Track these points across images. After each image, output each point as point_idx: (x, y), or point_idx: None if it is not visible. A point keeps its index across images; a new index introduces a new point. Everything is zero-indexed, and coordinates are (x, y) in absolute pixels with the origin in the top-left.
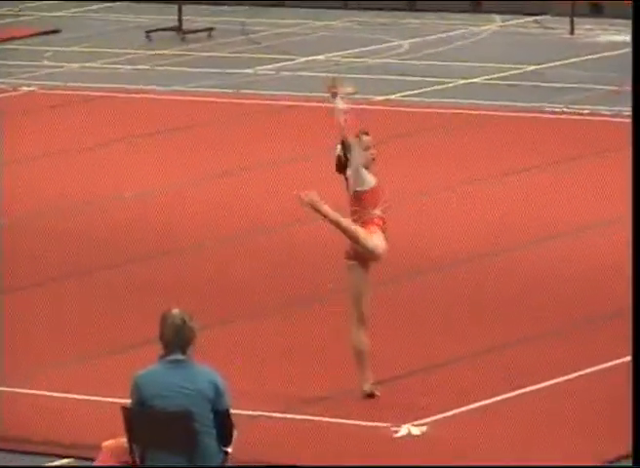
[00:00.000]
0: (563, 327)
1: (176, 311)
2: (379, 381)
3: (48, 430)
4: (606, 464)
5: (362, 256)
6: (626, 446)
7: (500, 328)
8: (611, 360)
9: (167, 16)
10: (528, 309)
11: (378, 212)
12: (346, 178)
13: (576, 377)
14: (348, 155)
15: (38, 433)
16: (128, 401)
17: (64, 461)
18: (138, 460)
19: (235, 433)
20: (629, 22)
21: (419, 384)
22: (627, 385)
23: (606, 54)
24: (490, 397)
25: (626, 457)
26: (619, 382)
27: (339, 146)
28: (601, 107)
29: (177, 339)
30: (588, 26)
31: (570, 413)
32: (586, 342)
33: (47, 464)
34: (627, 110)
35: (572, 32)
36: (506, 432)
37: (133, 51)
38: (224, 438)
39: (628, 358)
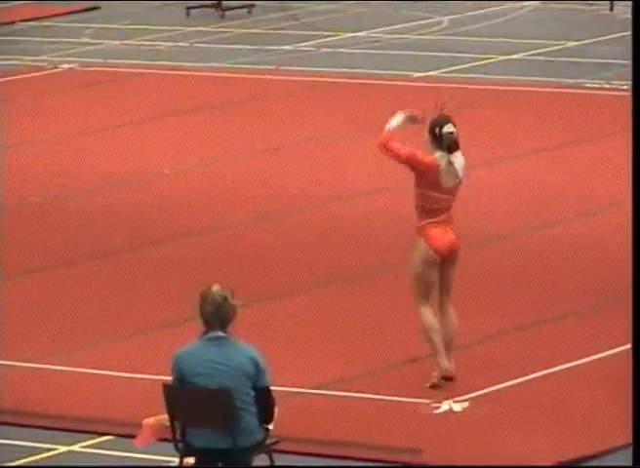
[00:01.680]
0: (592, 306)
1: (216, 288)
2: (418, 358)
3: (88, 407)
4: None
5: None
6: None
7: (538, 304)
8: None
9: None
10: (577, 282)
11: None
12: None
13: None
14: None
15: (78, 410)
16: (169, 378)
17: (105, 438)
18: (179, 437)
19: (276, 410)
20: None
21: (460, 360)
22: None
23: None
24: (529, 373)
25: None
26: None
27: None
28: None
29: (217, 316)
30: (628, 2)
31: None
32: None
33: (88, 442)
34: None
35: (611, 8)
36: (546, 410)
37: (172, 27)
38: (265, 415)
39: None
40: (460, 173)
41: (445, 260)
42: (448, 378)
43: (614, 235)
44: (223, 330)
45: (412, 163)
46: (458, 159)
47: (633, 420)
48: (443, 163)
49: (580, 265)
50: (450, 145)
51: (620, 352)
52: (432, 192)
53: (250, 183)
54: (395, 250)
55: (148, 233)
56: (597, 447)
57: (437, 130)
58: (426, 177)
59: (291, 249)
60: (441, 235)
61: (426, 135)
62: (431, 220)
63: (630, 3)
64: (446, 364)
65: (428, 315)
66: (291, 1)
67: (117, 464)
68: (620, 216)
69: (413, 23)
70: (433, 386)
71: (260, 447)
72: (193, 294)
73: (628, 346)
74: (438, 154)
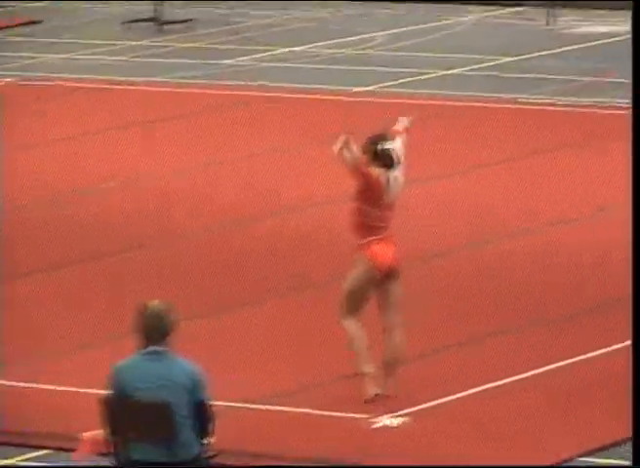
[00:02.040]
0: (547, 316)
1: (155, 302)
2: (359, 373)
3: (25, 421)
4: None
5: None
6: (626, 430)
7: (481, 319)
8: (593, 350)
9: (147, 6)
10: (512, 299)
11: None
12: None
13: (561, 367)
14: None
15: (15, 424)
16: (107, 392)
17: (44, 452)
18: (117, 451)
19: (214, 424)
20: (607, 13)
21: (399, 376)
22: (619, 374)
23: (585, 44)
24: (471, 387)
25: (626, 441)
26: (610, 370)
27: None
28: (581, 98)
29: (157, 331)
30: (567, 17)
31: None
32: (572, 332)
33: (25, 455)
34: (606, 101)
35: (548, 23)
36: (484, 424)
37: (112, 42)
38: (203, 429)
39: (614, 347)
40: (398, 189)
41: (386, 278)
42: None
43: (552, 252)
44: (162, 344)
45: (373, 181)
46: (397, 175)
47: (633, 417)
48: (384, 179)
49: (516, 282)
50: (388, 162)
51: (556, 368)
52: (374, 208)
53: (194, 197)
54: (335, 264)
55: (94, 247)
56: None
57: (375, 147)
58: (372, 193)
59: (238, 262)
60: (384, 252)
61: (361, 152)
62: (373, 237)
63: (569, 18)
64: (370, 369)
65: (352, 326)
66: (230, 14)
67: None
68: (559, 233)
69: (352, 38)
70: (370, 399)
71: (198, 460)
72: (130, 310)
73: (560, 363)
74: (377, 171)
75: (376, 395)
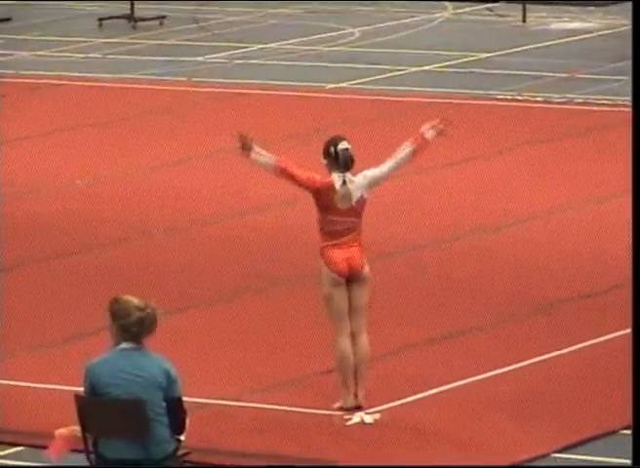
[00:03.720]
0: (512, 314)
1: (129, 297)
2: (331, 370)
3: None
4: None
5: None
6: (626, 419)
7: (457, 313)
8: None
9: (119, 3)
10: (484, 295)
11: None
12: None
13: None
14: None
15: None
16: (81, 389)
17: (17, 449)
18: (90, 448)
19: (188, 421)
20: (581, 10)
21: (373, 372)
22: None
23: (558, 41)
24: (445, 383)
25: (624, 428)
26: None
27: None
28: (552, 94)
29: (137, 327)
30: (540, 14)
31: (526, 400)
32: (546, 327)
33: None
34: (579, 98)
35: (524, 20)
36: (460, 418)
37: (84, 39)
38: (177, 425)
39: (592, 341)
40: (358, 193)
41: (349, 282)
42: (354, 408)
43: (523, 250)
44: (137, 341)
45: (310, 185)
46: (355, 180)
47: (633, 416)
48: (338, 184)
49: (488, 279)
50: (347, 163)
51: (524, 366)
52: (328, 215)
53: (162, 195)
54: (308, 261)
55: (59, 244)
56: (512, 460)
57: (332, 149)
58: (322, 200)
59: (202, 260)
60: (338, 255)
61: (322, 158)
62: (330, 242)
63: (543, 14)
64: (351, 402)
65: (342, 346)
66: (203, 11)
67: None
68: (530, 231)
69: (325, 35)
70: (340, 409)
71: (171, 458)
72: (103, 306)
73: (531, 361)
74: (334, 175)
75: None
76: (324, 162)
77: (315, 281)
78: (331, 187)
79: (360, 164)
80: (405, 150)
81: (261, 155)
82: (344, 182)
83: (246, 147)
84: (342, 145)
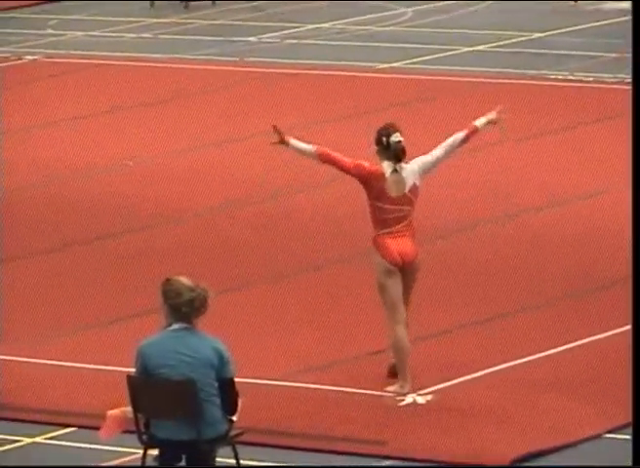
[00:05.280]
0: (563, 295)
1: (181, 278)
2: (381, 350)
3: (51, 399)
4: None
5: None
6: (626, 415)
7: (501, 296)
8: (611, 329)
9: None
10: (528, 277)
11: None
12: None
13: (576, 346)
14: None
15: (42, 402)
16: (132, 370)
17: (69, 430)
18: (142, 429)
19: (240, 401)
20: None
21: (425, 352)
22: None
23: (609, 21)
24: (492, 366)
25: (626, 426)
26: (619, 351)
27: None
28: (604, 74)
29: (189, 308)
30: None
31: (570, 382)
32: (587, 311)
33: (52, 433)
34: (629, 77)
35: (576, 0)
36: (507, 401)
37: (136, 19)
38: (229, 406)
39: (628, 327)
40: (411, 181)
41: (403, 271)
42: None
43: (574, 227)
44: (189, 321)
45: (358, 172)
46: (407, 167)
47: (633, 415)
48: (389, 172)
49: (541, 256)
50: (398, 154)
51: (574, 347)
52: (380, 203)
53: (211, 175)
54: (357, 242)
55: (108, 225)
56: (562, 440)
57: (385, 139)
58: (372, 188)
59: (251, 239)
60: (392, 245)
61: (373, 145)
62: (383, 231)
63: None
64: (407, 388)
65: (400, 335)
66: None
67: (81, 455)
68: (584, 208)
69: (377, 15)
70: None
71: (224, 438)
72: (153, 287)
73: (580, 342)
74: (385, 163)
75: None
76: (375, 148)
77: (364, 262)
78: (381, 175)
79: (410, 146)
80: (455, 137)
81: (300, 145)
82: (395, 170)
83: (282, 141)
84: (395, 137)
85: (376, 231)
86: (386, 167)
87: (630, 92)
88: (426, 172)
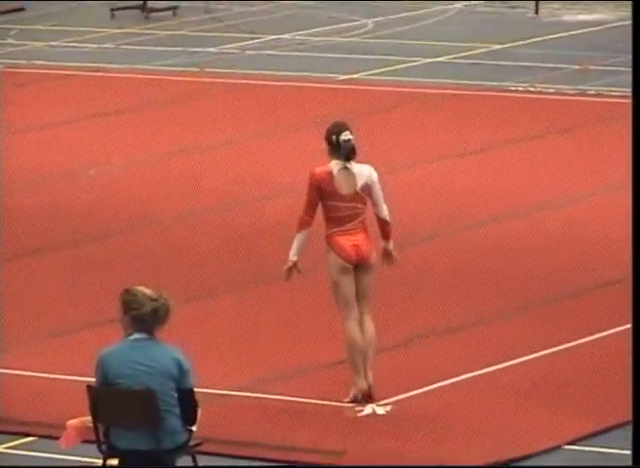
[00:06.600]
0: (544, 299)
1: (144, 288)
2: (342, 360)
3: (11, 408)
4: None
5: None
6: (626, 413)
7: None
8: (584, 336)
9: None
10: (487, 287)
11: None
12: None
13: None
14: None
15: (1, 411)
16: (93, 379)
17: (29, 439)
18: (102, 438)
19: (199, 411)
20: (593, 2)
21: (384, 363)
22: (622, 354)
23: (570, 33)
24: (458, 375)
25: (624, 424)
26: (613, 351)
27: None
28: (565, 86)
29: (149, 318)
30: (553, 6)
31: (536, 390)
32: (555, 319)
33: (11, 443)
34: (590, 89)
35: (537, 12)
36: (473, 411)
37: (97, 29)
38: (188, 416)
39: (621, 328)
40: (362, 180)
41: (357, 268)
42: (366, 396)
43: (533, 238)
44: (151, 331)
45: (317, 187)
46: (358, 167)
47: (633, 413)
48: (336, 170)
49: (497, 267)
50: (347, 153)
51: (537, 358)
52: (332, 201)
53: (172, 185)
54: (320, 251)
55: (71, 233)
56: (522, 451)
57: (334, 137)
58: (324, 189)
59: (213, 249)
60: (345, 242)
61: (324, 143)
62: (336, 229)
63: (556, 6)
64: (363, 384)
65: (351, 331)
66: (216, 2)
67: (41, 465)
68: (541, 219)
69: (338, 26)
70: (353, 401)
71: (183, 448)
72: (115, 295)
73: (543, 352)
74: (333, 162)
75: (363, 397)
76: (326, 147)
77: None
78: (329, 174)
79: (369, 156)
80: (382, 213)
81: (297, 247)
82: (345, 167)
83: (295, 267)
84: (345, 136)
85: (329, 229)
86: (334, 165)
87: (631, 101)
88: (369, 189)
